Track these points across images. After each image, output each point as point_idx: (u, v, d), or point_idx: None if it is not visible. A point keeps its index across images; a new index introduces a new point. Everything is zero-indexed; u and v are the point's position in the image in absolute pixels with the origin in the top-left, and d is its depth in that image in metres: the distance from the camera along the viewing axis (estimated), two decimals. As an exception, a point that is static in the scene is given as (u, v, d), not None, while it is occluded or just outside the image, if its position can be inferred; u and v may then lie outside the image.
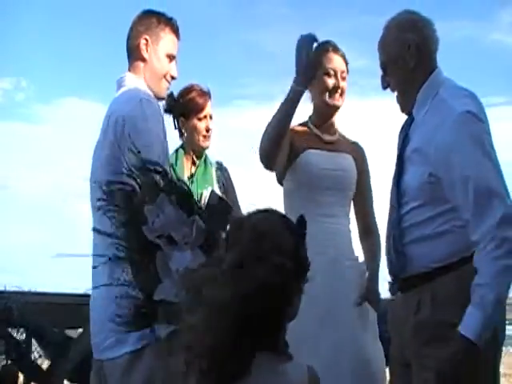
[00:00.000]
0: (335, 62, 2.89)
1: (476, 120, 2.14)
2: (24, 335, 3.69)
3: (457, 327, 2.02)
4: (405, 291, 2.29)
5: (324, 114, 2.94)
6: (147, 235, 1.64)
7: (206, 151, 3.32)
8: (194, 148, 3.27)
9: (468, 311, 2.00)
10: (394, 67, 2.35)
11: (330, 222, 2.81)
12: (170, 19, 2.52)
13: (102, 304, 2.16)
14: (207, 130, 3.25)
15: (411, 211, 2.25)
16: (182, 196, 1.72)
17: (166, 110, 3.24)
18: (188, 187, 1.84)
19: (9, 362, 3.64)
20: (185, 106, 3.25)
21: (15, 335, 3.64)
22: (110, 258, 1.78)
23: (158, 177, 1.75)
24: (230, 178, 3.36)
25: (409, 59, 2.31)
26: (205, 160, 3.29)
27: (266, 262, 1.46)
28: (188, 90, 3.28)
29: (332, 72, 2.87)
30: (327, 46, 2.89)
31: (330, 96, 2.88)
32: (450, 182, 2.14)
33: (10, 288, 3.79)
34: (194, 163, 3.27)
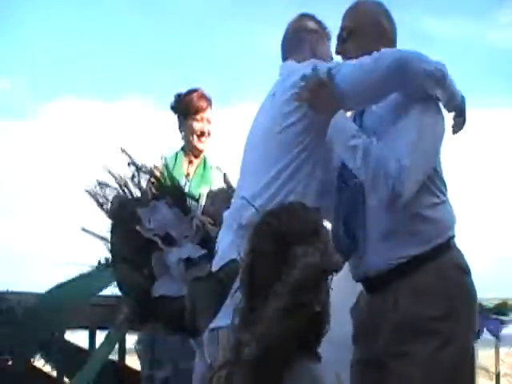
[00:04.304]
0: None
1: None
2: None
3: (440, 320, 2.01)
4: (377, 290, 2.15)
5: None
6: (143, 233, 1.66)
7: (206, 154, 3.36)
8: (190, 148, 3.33)
9: None
10: (357, 39, 2.28)
11: None
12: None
13: None
14: (202, 133, 3.30)
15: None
16: (177, 197, 1.81)
17: (172, 108, 3.35)
18: (181, 188, 1.94)
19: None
20: (184, 106, 3.32)
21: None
22: (99, 263, 1.79)
23: (150, 183, 1.80)
24: (229, 183, 3.37)
25: (375, 43, 2.22)
26: (204, 162, 3.34)
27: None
28: (191, 91, 3.35)
29: None
30: None
31: None
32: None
33: (13, 289, 3.79)
34: (191, 162, 3.33)
